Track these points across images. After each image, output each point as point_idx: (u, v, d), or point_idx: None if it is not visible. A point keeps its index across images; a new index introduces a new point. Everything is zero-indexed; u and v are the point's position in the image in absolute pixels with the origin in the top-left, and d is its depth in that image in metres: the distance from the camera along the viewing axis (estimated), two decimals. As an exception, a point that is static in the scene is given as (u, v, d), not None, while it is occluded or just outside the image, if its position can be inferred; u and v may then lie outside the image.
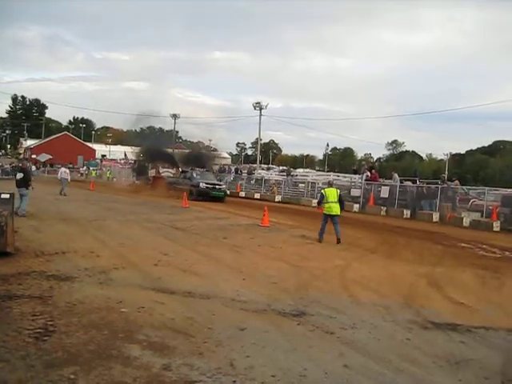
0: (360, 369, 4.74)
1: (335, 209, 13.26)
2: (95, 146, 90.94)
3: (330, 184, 15.01)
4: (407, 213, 23.04)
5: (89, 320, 5.61)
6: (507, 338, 6.13)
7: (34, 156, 75.51)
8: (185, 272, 8.63)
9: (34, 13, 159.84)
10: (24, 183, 15.79)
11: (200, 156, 38.11)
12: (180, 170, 33.10)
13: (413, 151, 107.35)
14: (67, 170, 28.35)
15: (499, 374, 4.94)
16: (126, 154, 52.74)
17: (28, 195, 15.62)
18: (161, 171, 35.94)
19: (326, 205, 13.35)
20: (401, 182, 26.27)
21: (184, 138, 65.34)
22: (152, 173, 36.44)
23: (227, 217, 18.82)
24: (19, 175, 16.25)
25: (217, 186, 28.64)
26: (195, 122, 68.12)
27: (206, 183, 28.23)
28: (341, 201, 13.58)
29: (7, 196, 9.38)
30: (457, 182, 25.42)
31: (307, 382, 4.39)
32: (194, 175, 29.98)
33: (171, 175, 34.54)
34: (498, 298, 8.25)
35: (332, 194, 13.44)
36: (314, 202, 28.49)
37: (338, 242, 12.95)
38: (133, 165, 44.78)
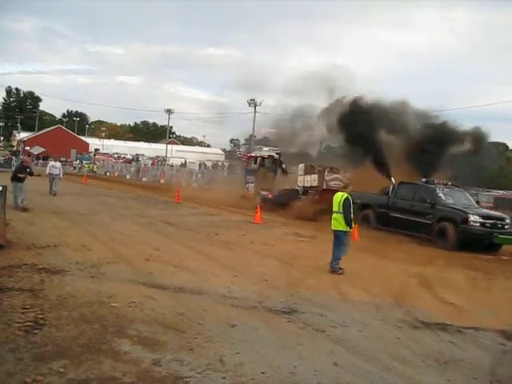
0: (349, 367, 4.76)
1: (333, 222, 9.38)
2: (89, 140, 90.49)
3: (345, 186, 10.40)
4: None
5: (79, 314, 5.58)
6: (496, 338, 6.17)
7: (27, 148, 75.03)
8: (176, 267, 8.61)
9: (27, 4, 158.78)
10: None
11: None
12: (393, 181, 16.97)
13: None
14: (57, 164, 22.18)
15: (488, 375, 4.97)
16: (237, 146, 31.25)
17: (12, 188, 14.55)
18: (328, 178, 19.51)
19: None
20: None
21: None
22: (308, 180, 20.48)
23: (220, 213, 18.82)
24: None
25: (499, 223, 14.31)
26: (188, 117, 67.30)
27: (482, 216, 14.22)
28: (345, 210, 9.17)
29: (-1, 188, 9.31)
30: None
31: (297, 379, 4.40)
32: (442, 196, 15.39)
33: (340, 184, 16.71)
34: (488, 299, 8.32)
35: (335, 200, 9.43)
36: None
37: (333, 272, 9.11)
38: (248, 164, 25.76)
